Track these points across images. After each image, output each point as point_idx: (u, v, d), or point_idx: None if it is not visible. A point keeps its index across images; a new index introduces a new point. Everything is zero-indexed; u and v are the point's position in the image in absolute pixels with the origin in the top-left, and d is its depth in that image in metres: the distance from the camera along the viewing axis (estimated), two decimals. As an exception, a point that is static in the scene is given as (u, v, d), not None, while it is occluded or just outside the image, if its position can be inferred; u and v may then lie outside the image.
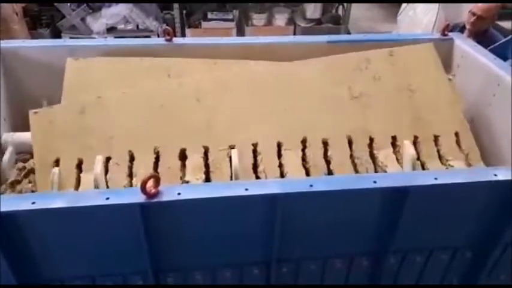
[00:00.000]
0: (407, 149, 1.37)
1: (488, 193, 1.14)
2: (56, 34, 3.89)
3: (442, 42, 1.72)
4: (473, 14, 2.33)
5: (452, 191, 1.12)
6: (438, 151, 1.43)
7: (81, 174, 1.30)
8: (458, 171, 1.29)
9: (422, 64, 1.57)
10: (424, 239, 1.23)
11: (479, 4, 2.30)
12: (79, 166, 1.32)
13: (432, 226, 1.19)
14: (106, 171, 1.30)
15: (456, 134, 1.46)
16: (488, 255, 1.27)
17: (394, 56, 1.56)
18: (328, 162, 1.37)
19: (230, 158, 1.34)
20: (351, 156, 1.39)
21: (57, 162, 1.32)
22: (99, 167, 1.26)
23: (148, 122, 1.38)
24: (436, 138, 1.45)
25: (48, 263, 1.11)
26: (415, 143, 1.43)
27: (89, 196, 0.99)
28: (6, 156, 1.40)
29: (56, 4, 3.79)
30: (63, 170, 1.30)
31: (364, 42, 1.69)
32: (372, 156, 1.40)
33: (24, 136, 1.47)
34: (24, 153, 1.47)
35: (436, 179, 1.07)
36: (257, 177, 1.32)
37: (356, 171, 1.37)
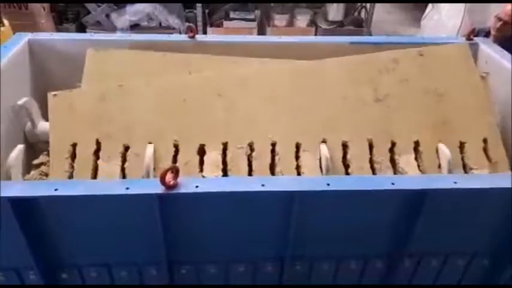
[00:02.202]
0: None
1: (508, 200, 1.12)
2: (81, 29, 3.97)
3: (467, 47, 1.68)
4: (499, 19, 2.28)
5: (472, 196, 1.11)
6: (463, 158, 1.38)
7: (98, 162, 1.30)
8: (479, 176, 1.26)
9: (454, 66, 1.52)
10: (440, 244, 1.21)
11: (506, 9, 2.26)
12: (96, 153, 1.32)
13: (450, 231, 1.18)
14: (124, 161, 1.31)
15: (484, 141, 1.41)
16: (506, 264, 1.25)
17: (423, 56, 1.51)
18: (346, 166, 1.35)
19: (248, 156, 1.35)
20: (371, 160, 1.36)
21: (73, 147, 1.32)
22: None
23: (170, 115, 1.38)
24: (461, 145, 1.40)
25: (67, 249, 1.14)
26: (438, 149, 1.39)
27: (110, 185, 1.01)
28: (14, 154, 1.32)
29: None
30: (80, 156, 1.31)
31: (387, 45, 1.67)
32: (393, 161, 1.37)
33: (48, 126, 1.50)
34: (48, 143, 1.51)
35: (455, 183, 1.05)
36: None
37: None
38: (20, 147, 1.31)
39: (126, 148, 1.34)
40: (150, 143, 1.34)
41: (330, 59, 1.51)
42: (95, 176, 1.30)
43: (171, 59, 1.57)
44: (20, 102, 1.47)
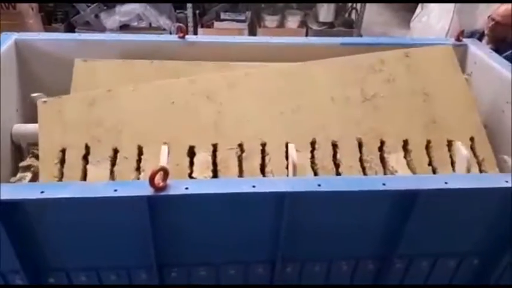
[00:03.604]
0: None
1: (498, 200, 1.12)
2: (70, 30, 3.92)
3: (456, 48, 1.70)
4: (493, 20, 2.31)
5: (462, 196, 1.11)
6: (451, 157, 1.40)
7: (88, 166, 1.29)
8: (470, 177, 1.27)
9: (439, 66, 1.54)
10: (431, 244, 1.21)
11: (499, 10, 2.29)
12: (85, 157, 1.31)
13: (440, 231, 1.18)
14: (113, 164, 1.30)
15: (471, 139, 1.43)
16: (496, 264, 1.25)
17: (409, 58, 1.54)
18: (337, 165, 1.36)
19: (238, 157, 1.34)
20: (361, 159, 1.37)
21: (63, 153, 1.31)
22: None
23: (159, 118, 1.37)
24: (449, 143, 1.42)
25: (54, 253, 1.12)
26: (427, 147, 1.41)
27: (97, 187, 0.99)
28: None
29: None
30: (70, 161, 1.29)
31: (377, 45, 1.68)
32: (382, 160, 1.38)
33: (35, 127, 1.48)
34: (35, 145, 1.48)
35: (446, 183, 1.05)
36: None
37: (365, 174, 1.35)
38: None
39: (115, 152, 1.32)
40: (139, 145, 1.32)
41: (317, 61, 1.52)
42: (84, 180, 1.28)
43: (158, 67, 1.56)
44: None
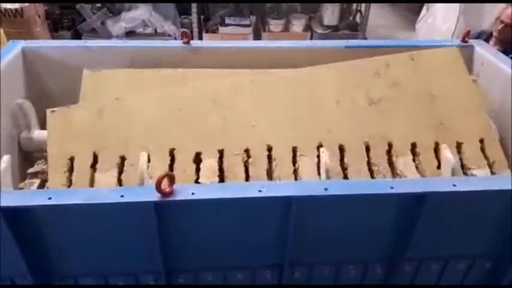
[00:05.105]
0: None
1: (508, 202, 1.11)
2: (77, 37, 3.95)
3: (462, 49, 1.68)
4: (501, 22, 2.30)
5: (471, 198, 1.10)
6: (461, 159, 1.39)
7: (96, 174, 1.29)
8: (478, 179, 1.26)
9: (445, 68, 1.53)
10: (440, 247, 1.20)
11: (507, 12, 2.28)
12: (94, 166, 1.31)
13: (450, 234, 1.16)
14: (121, 172, 1.30)
15: (481, 141, 1.41)
16: (508, 266, 1.23)
17: (415, 60, 1.52)
18: (344, 169, 1.35)
19: (245, 162, 1.33)
20: (368, 163, 1.36)
21: (71, 161, 1.31)
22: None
23: (166, 125, 1.37)
24: (459, 145, 1.41)
25: (62, 259, 1.12)
26: (436, 150, 1.39)
27: (104, 193, 1.00)
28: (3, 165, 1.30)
29: (77, 7, 3.87)
30: (78, 169, 1.30)
31: (382, 48, 1.67)
32: (390, 164, 1.37)
33: (42, 134, 1.49)
34: (44, 151, 1.49)
35: (454, 185, 1.04)
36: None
37: (373, 178, 1.34)
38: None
39: (123, 159, 1.32)
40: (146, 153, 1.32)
41: (321, 65, 1.52)
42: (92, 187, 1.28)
43: (166, 75, 1.56)
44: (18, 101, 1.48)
